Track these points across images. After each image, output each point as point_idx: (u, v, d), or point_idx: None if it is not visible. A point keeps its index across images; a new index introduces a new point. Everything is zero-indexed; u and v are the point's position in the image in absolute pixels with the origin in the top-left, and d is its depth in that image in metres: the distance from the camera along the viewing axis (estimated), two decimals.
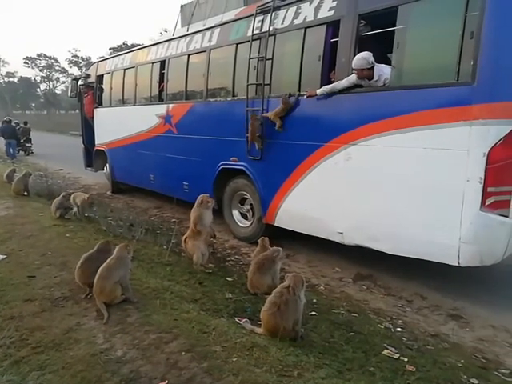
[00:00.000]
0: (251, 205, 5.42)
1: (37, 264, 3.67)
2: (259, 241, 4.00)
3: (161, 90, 7.01)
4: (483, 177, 3.11)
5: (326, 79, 4.31)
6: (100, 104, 9.03)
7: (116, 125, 8.32)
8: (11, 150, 14.82)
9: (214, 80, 5.83)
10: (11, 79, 67.52)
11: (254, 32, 4.95)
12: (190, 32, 6.27)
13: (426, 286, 4.03)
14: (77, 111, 17.13)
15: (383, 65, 3.88)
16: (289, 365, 2.27)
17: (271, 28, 4.76)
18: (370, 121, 3.78)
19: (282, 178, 4.69)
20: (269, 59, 4.80)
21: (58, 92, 66.74)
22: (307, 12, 4.38)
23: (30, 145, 17.46)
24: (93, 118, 9.26)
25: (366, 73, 3.83)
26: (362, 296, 3.89)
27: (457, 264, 3.32)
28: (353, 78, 3.91)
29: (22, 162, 14.19)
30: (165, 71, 6.77)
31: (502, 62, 3.10)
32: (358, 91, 3.98)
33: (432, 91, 3.42)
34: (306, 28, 4.41)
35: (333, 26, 4.17)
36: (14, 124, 16.20)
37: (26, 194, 6.99)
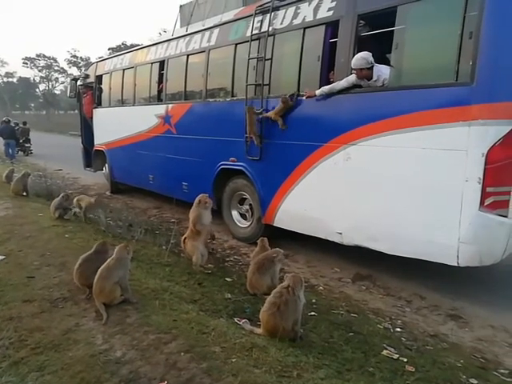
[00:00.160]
0: (250, 205, 5.42)
1: (36, 264, 3.67)
2: (258, 241, 4.00)
3: (160, 91, 7.01)
4: (482, 177, 3.11)
5: (325, 79, 4.31)
6: (99, 104, 9.03)
7: (115, 125, 8.31)
8: (10, 151, 14.79)
9: (213, 80, 5.83)
10: (10, 79, 67.50)
11: (253, 32, 4.95)
12: (189, 32, 6.27)
13: (425, 286, 4.03)
14: (76, 111, 17.15)
15: (382, 65, 3.89)
16: (288, 365, 2.27)
17: (270, 28, 4.76)
18: (369, 121, 3.78)
19: (282, 179, 4.69)
20: (268, 59, 4.80)
21: (57, 92, 66.72)
22: (306, 12, 4.38)
23: (29, 145, 17.44)
24: (92, 118, 9.26)
25: (365, 73, 3.83)
26: (361, 296, 3.89)
27: (456, 264, 3.32)
28: (352, 78, 3.91)
29: (21, 162, 14.17)
30: (164, 71, 6.77)
31: (501, 62, 3.10)
32: (357, 91, 3.98)
33: (431, 91, 3.42)
34: (305, 28, 4.42)
35: (332, 27, 4.17)
36: (13, 124, 16.17)
37: (25, 194, 6.99)
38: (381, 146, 3.70)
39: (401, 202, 3.63)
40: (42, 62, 62.50)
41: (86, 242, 4.32)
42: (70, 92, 10.14)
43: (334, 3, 4.10)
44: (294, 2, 4.54)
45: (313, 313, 3.28)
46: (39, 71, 63.50)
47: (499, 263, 3.44)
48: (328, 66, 4.30)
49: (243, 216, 5.65)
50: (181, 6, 7.14)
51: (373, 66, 3.82)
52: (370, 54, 3.81)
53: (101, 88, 8.98)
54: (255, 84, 4.96)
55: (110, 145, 8.57)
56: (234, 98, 5.39)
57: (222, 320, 2.89)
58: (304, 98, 4.38)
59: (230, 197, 5.69)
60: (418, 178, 3.48)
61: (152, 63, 7.18)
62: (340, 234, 4.12)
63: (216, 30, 5.66)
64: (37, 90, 67.88)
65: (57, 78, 65.28)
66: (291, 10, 4.57)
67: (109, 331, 2.58)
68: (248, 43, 5.00)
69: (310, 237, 4.53)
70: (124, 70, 8.06)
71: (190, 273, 3.92)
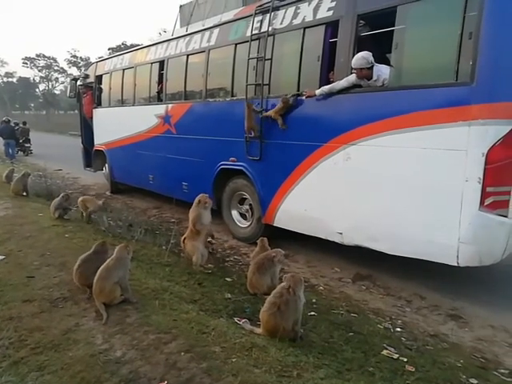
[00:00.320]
0: (250, 205, 5.42)
1: (36, 264, 3.67)
2: (258, 241, 4.00)
3: (160, 91, 7.01)
4: (482, 177, 3.11)
5: (325, 79, 4.31)
6: (99, 104, 9.02)
7: (115, 125, 8.31)
8: (10, 151, 14.79)
9: (213, 80, 5.83)
10: (10, 79, 67.51)
11: (253, 32, 4.95)
12: (188, 32, 6.27)
13: (425, 286, 4.03)
14: (76, 111, 17.16)
15: (382, 65, 3.89)
16: (288, 365, 2.27)
17: (270, 28, 4.76)
18: (369, 121, 3.78)
19: (282, 178, 4.69)
20: (268, 59, 4.80)
21: (56, 92, 66.72)
22: (306, 12, 4.38)
23: (28, 145, 17.43)
24: (92, 118, 9.26)
25: (365, 72, 3.83)
26: (362, 296, 3.89)
27: (456, 264, 3.32)
28: (352, 78, 3.91)
29: (21, 162, 14.17)
30: (164, 71, 6.77)
31: (501, 62, 3.10)
32: (357, 91, 3.98)
33: (431, 91, 3.42)
34: (304, 28, 4.42)
35: (332, 27, 4.17)
36: (12, 124, 16.16)
37: (24, 194, 6.99)
38: (381, 146, 3.70)
39: (401, 202, 3.63)
40: (42, 62, 62.59)
41: (85, 242, 4.32)
42: (70, 92, 10.14)
43: (333, 3, 4.10)
44: (294, 2, 4.54)
45: (313, 313, 3.28)
46: (39, 71, 63.57)
47: (499, 263, 3.44)
48: (328, 66, 4.30)
49: (243, 216, 5.65)
50: (181, 6, 7.14)
51: (373, 66, 3.82)
52: (370, 53, 3.81)
53: (101, 88, 8.98)
54: (255, 84, 4.96)
55: (110, 145, 8.56)
56: (234, 98, 5.39)
57: (222, 320, 2.89)
58: (304, 97, 4.37)
59: (229, 197, 5.69)
60: (418, 177, 3.48)
61: (152, 63, 7.18)
62: (340, 233, 4.12)
63: (216, 30, 5.66)
64: (37, 90, 67.92)
65: (57, 78, 65.39)
66: (291, 9, 4.57)
67: (109, 331, 2.58)
68: (248, 43, 5.00)
69: (311, 237, 4.53)
70: (124, 70, 8.06)
71: (189, 273, 3.92)
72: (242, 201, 5.60)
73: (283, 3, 4.68)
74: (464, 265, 3.32)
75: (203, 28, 5.93)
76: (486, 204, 3.15)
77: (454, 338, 3.13)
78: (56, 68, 63.63)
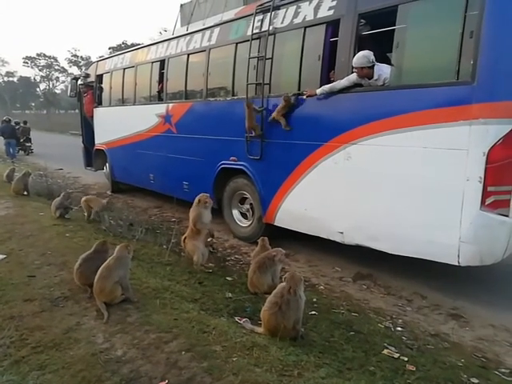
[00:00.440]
0: (251, 204, 5.42)
1: (37, 264, 3.67)
2: (259, 240, 4.00)
3: (160, 90, 7.01)
4: (483, 176, 3.10)
5: (326, 79, 4.31)
6: (100, 103, 9.02)
7: (116, 124, 8.31)
8: (11, 150, 14.81)
9: (213, 79, 5.83)
10: (11, 79, 67.61)
11: (254, 31, 4.94)
12: (189, 31, 6.26)
13: (426, 286, 4.03)
14: (76, 111, 17.15)
15: (383, 64, 3.88)
16: (289, 364, 2.27)
17: (271, 27, 4.76)
18: (370, 120, 3.78)
19: (282, 178, 4.69)
20: (268, 59, 4.79)
21: (57, 91, 66.68)
22: (307, 11, 4.37)
23: (29, 144, 17.45)
24: (92, 117, 9.26)
25: (366, 71, 3.83)
26: (362, 295, 3.89)
27: (457, 263, 3.32)
28: (353, 77, 3.91)
29: (22, 161, 14.20)
30: (164, 71, 6.77)
31: (502, 61, 3.09)
32: (357, 90, 3.97)
33: (432, 91, 3.42)
34: (305, 27, 4.41)
35: (332, 26, 4.17)
36: (13, 124, 16.18)
37: (25, 193, 6.99)
38: (381, 146, 3.70)
39: (402, 202, 3.62)
40: (43, 62, 62.65)
41: (86, 241, 4.32)
42: (71, 91, 10.14)
43: (334, 2, 4.09)
44: (295, 1, 4.53)
45: (313, 312, 3.28)
46: (40, 70, 63.62)
47: (500, 263, 3.44)
48: (328, 66, 4.30)
49: (244, 215, 5.65)
50: (181, 6, 7.14)
51: (374, 65, 3.82)
52: (372, 52, 3.80)
53: (101, 87, 8.98)
54: (256, 83, 4.95)
55: (111, 144, 8.57)
56: (235, 98, 5.39)
57: (222, 319, 2.89)
58: (304, 97, 4.37)
59: (230, 196, 5.69)
60: (418, 177, 3.48)
61: (152, 62, 7.18)
62: (341, 233, 4.12)
63: (216, 30, 5.66)
64: (37, 89, 67.99)
65: (57, 78, 65.47)
66: (292, 9, 4.56)
67: (109, 330, 2.58)
68: (248, 42, 4.99)
69: (311, 236, 4.52)
70: (124, 69, 8.06)
71: (190, 272, 3.92)
72: (243, 200, 5.60)
73: (284, 2, 4.67)
74: (465, 264, 3.32)
75: (204, 27, 5.92)
76: (486, 203, 3.15)
77: (455, 337, 3.13)
78: (57, 67, 63.75)
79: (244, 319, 2.92)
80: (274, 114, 4.63)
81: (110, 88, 8.61)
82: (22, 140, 16.78)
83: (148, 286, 3.27)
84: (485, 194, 3.13)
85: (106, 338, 2.49)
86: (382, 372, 2.45)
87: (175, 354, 2.30)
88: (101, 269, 2.90)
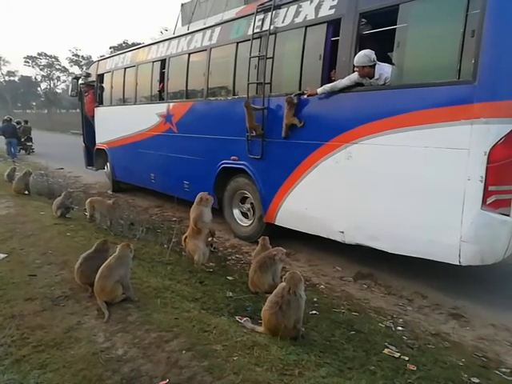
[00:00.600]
0: (252, 204, 5.42)
1: (37, 263, 3.67)
2: (260, 240, 4.00)
3: (161, 89, 7.01)
4: (484, 176, 3.10)
5: (327, 78, 4.31)
6: (100, 103, 9.03)
7: (117, 124, 8.32)
8: (12, 149, 14.81)
9: (214, 79, 5.82)
10: (12, 78, 67.61)
11: (255, 31, 4.94)
12: (190, 31, 6.27)
13: (426, 285, 4.03)
14: (77, 110, 17.15)
15: (384, 63, 3.88)
16: (290, 363, 2.27)
17: (272, 27, 4.75)
18: (371, 120, 3.77)
19: (283, 177, 4.69)
20: (269, 58, 4.79)
21: (58, 91, 66.65)
22: (308, 11, 4.37)
23: (30, 144, 17.47)
24: (93, 116, 9.27)
25: (367, 70, 3.82)
26: (363, 295, 3.89)
27: (458, 263, 3.32)
28: (354, 76, 3.90)
29: (23, 160, 14.21)
30: (165, 70, 6.77)
31: (504, 60, 3.09)
32: (358, 90, 3.97)
33: (433, 90, 3.41)
34: (306, 27, 4.41)
35: (333, 25, 4.17)
36: (14, 123, 16.19)
37: (26, 192, 7.00)
38: (382, 145, 3.69)
39: (403, 201, 3.62)
40: (44, 61, 62.60)
41: (87, 241, 4.33)
42: (72, 91, 10.15)
43: (335, 1, 4.09)
44: (296, 1, 4.53)
45: (314, 311, 3.28)
46: (41, 70, 63.63)
47: (501, 262, 3.44)
48: (329, 65, 4.30)
49: (244, 215, 5.65)
50: (182, 5, 7.14)
51: (375, 64, 3.81)
52: (373, 51, 3.80)
53: (102, 87, 8.98)
54: (256, 82, 4.95)
55: (112, 144, 8.57)
56: (236, 97, 5.39)
57: (223, 318, 2.89)
58: (305, 96, 4.37)
59: (231, 195, 5.69)
60: (419, 176, 3.48)
61: (153, 62, 7.18)
62: (342, 232, 4.12)
63: (217, 29, 5.66)
64: (38, 88, 67.98)
65: (58, 77, 65.46)
66: (293, 8, 4.56)
67: (110, 329, 2.58)
68: (249, 42, 4.99)
69: (312, 235, 4.52)
70: (125, 68, 8.07)
71: (191, 271, 3.92)
72: (244, 199, 5.60)
73: (285, 1, 4.66)
74: (466, 264, 3.32)
75: (205, 27, 5.92)
76: (488, 203, 3.15)
77: (456, 336, 3.13)
78: (58, 67, 63.70)
79: (245, 318, 2.92)
80: (285, 121, 4.52)
81: (111, 87, 8.62)
82: (23, 139, 16.79)
83: (149, 286, 3.27)
84: (486, 194, 3.13)
85: (106, 337, 2.50)
86: (382, 371, 2.45)
87: (176, 353, 2.30)
88: (102, 268, 2.90)
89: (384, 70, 3.82)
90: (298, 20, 4.49)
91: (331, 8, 4.13)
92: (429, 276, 4.13)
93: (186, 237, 4.19)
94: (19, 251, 4.00)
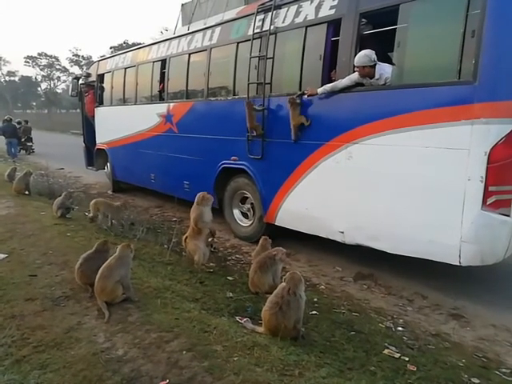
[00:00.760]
0: (252, 204, 5.42)
1: (38, 263, 3.67)
2: (261, 240, 3.99)
3: (161, 89, 7.01)
4: (484, 176, 3.10)
5: (327, 78, 4.30)
6: (101, 103, 9.03)
7: (117, 124, 8.32)
8: (12, 149, 14.82)
9: (214, 79, 5.82)
10: (12, 78, 67.60)
11: (255, 31, 4.94)
12: (190, 31, 6.27)
13: (426, 286, 4.03)
14: (78, 110, 17.15)
15: (385, 63, 3.88)
16: (290, 364, 2.27)
17: (272, 27, 4.76)
18: (371, 120, 3.77)
19: (283, 177, 4.68)
20: (270, 58, 4.79)
21: (58, 91, 66.64)
22: (308, 11, 4.37)
23: (30, 144, 17.47)
24: (94, 117, 9.27)
25: (368, 70, 3.82)
26: (363, 295, 3.89)
27: (458, 263, 3.32)
28: (355, 76, 3.90)
29: (23, 161, 14.21)
30: (165, 70, 6.77)
31: (504, 60, 3.09)
32: (359, 90, 3.97)
33: (433, 90, 3.41)
34: (306, 27, 4.41)
35: (334, 25, 4.17)
36: (15, 123, 16.19)
37: (27, 193, 7.00)
38: (382, 145, 3.69)
39: (403, 201, 3.62)
40: (44, 61, 62.60)
41: (87, 241, 4.33)
42: (72, 91, 10.17)
43: (335, 2, 4.09)
44: (296, 1, 4.53)
45: (314, 312, 3.28)
46: (41, 70, 63.63)
47: (501, 263, 3.44)
48: (330, 65, 4.30)
49: (245, 215, 5.65)
50: (182, 5, 7.15)
51: (375, 64, 3.81)
52: (373, 51, 3.80)
53: (102, 87, 8.98)
54: (257, 83, 4.95)
55: (112, 144, 8.58)
56: (236, 97, 5.38)
57: (223, 319, 2.89)
58: (306, 96, 4.36)
59: (231, 196, 5.69)
60: (420, 176, 3.48)
61: (154, 62, 7.18)
62: (342, 232, 4.12)
63: (218, 29, 5.66)
64: (38, 88, 67.97)
65: (58, 77, 65.46)
66: (293, 8, 4.56)
67: (111, 329, 2.58)
68: (250, 42, 4.99)
69: (312, 236, 4.52)
70: (126, 68, 8.07)
71: (191, 271, 3.92)
72: (244, 200, 5.60)
73: (285, 2, 4.66)
74: (466, 264, 3.31)
75: (205, 27, 5.92)
76: (488, 203, 3.15)
77: (456, 337, 3.13)
78: (58, 67, 63.70)
79: (245, 319, 2.92)
80: (293, 123, 4.46)
81: (111, 87, 8.62)
82: (23, 139, 16.80)
83: (149, 286, 3.27)
84: (486, 194, 3.13)
85: (107, 337, 2.50)
86: (382, 372, 2.45)
87: (176, 354, 2.30)
88: (102, 268, 2.90)
89: (384, 70, 3.82)
90: (299, 20, 4.49)
91: (331, 8, 4.13)
92: (429, 276, 4.13)
93: (186, 237, 4.19)
94: (19, 251, 4.00)
